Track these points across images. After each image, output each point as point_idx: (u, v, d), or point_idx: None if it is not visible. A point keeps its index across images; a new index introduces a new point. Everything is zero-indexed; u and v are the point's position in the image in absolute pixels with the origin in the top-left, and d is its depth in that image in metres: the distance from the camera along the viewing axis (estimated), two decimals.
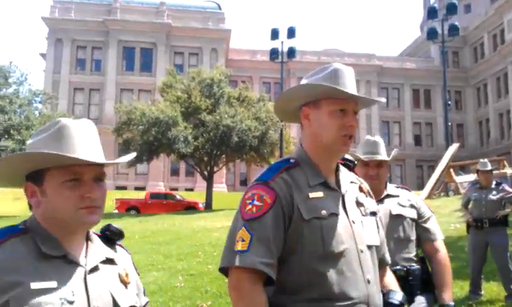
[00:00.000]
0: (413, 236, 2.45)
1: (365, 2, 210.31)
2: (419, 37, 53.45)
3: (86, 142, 1.20)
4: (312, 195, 1.42)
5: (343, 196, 1.49)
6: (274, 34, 22.31)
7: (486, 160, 6.34)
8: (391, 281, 1.61)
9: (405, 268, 2.33)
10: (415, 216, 2.48)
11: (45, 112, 31.40)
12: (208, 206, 24.10)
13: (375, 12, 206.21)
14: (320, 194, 1.44)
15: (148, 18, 42.30)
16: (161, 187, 37.34)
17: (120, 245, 1.36)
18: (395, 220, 2.43)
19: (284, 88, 25.77)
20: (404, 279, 2.26)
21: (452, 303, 2.32)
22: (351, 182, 1.57)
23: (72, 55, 41.73)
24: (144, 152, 23.57)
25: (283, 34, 22.36)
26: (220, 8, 45.92)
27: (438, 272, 2.39)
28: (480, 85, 47.66)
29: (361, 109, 1.61)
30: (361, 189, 1.59)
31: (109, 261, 1.26)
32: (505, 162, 18.42)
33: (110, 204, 25.32)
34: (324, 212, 1.41)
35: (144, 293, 1.36)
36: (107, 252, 1.28)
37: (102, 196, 1.21)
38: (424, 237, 2.47)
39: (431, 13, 20.22)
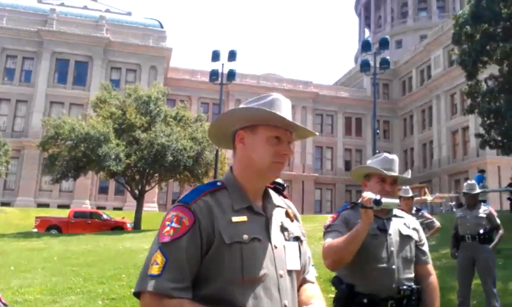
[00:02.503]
0: (414, 258, 2.49)
1: (305, 33, 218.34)
2: (353, 68, 56.16)
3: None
4: (235, 219, 1.41)
5: (267, 221, 1.49)
6: (215, 56, 22.35)
7: (407, 187, 6.61)
8: (314, 293, 1.58)
9: (410, 288, 2.35)
10: (417, 238, 2.53)
11: None
12: (136, 227, 23.28)
13: (313, 42, 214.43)
14: (244, 218, 1.43)
15: (86, 31, 41.10)
16: (87, 205, 35.66)
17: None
18: (404, 240, 2.46)
19: (223, 109, 25.87)
20: (408, 298, 2.32)
21: None
22: (278, 206, 1.57)
23: (1, 64, 39.54)
24: (71, 169, 22.52)
25: (224, 56, 22.48)
26: (162, 26, 45.58)
27: (429, 294, 2.43)
28: (406, 116, 50.65)
29: (295, 140, 1.63)
30: (287, 214, 1.59)
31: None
32: (426, 190, 19.55)
33: (30, 223, 23.78)
34: (245, 236, 1.40)
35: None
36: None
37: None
38: (419, 259, 2.51)
39: (365, 46, 21.20)
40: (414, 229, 2.55)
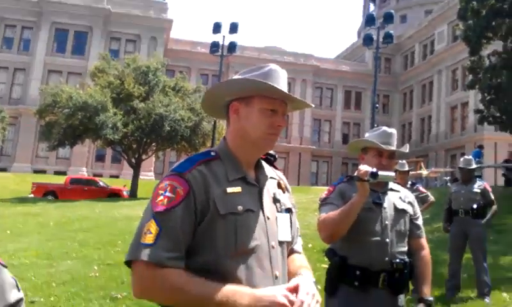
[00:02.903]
0: (408, 232, 2.50)
1: (308, 5, 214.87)
2: (356, 42, 55.47)
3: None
4: (229, 190, 1.40)
5: (260, 192, 1.48)
6: (216, 28, 22.06)
7: (404, 161, 6.60)
8: (301, 263, 1.59)
9: (403, 261, 2.36)
10: (411, 213, 2.53)
11: None
12: (133, 194, 23.36)
13: (316, 15, 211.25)
14: (238, 189, 1.42)
15: (86, 2, 40.56)
16: (84, 173, 35.85)
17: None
18: (399, 214, 2.45)
19: (222, 80, 25.62)
20: (400, 272, 2.34)
21: (431, 298, 2.42)
22: (271, 177, 1.57)
23: None
24: (68, 136, 22.50)
25: (225, 28, 22.20)
26: None
27: (422, 268, 2.47)
28: (407, 91, 50.36)
29: (290, 112, 1.60)
30: (279, 185, 1.59)
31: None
32: (422, 164, 19.61)
33: (26, 189, 23.87)
34: (240, 208, 1.39)
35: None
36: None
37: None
38: (413, 233, 2.51)
39: (369, 20, 20.89)
40: (409, 203, 2.55)
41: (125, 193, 23.46)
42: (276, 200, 1.52)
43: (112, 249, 8.35)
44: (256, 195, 1.46)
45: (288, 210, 1.57)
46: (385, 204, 2.42)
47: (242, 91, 1.47)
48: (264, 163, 1.58)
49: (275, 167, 1.67)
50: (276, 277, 1.42)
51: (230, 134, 1.52)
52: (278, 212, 1.51)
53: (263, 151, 1.54)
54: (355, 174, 2.24)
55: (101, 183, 24.27)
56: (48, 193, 22.36)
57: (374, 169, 2.16)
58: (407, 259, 2.40)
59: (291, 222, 1.57)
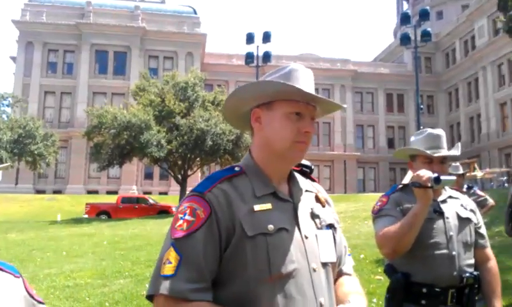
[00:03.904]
0: (474, 242, 2.33)
1: (340, 9, 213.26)
2: (392, 43, 54.42)
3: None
4: (257, 207, 1.25)
5: (295, 207, 1.32)
6: (250, 39, 22.23)
7: (457, 163, 6.29)
8: (351, 288, 1.41)
9: (473, 276, 2.20)
10: (475, 221, 2.35)
11: (13, 117, 30.65)
12: None
13: (349, 18, 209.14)
14: (268, 206, 1.26)
15: (122, 21, 41.85)
16: (134, 191, 36.81)
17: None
18: (463, 223, 2.27)
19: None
20: (470, 287, 2.16)
21: None
22: (306, 191, 1.40)
23: (43, 58, 41.06)
24: (116, 156, 23.19)
25: (258, 38, 22.34)
26: (196, 13, 45.76)
27: (490, 281, 2.27)
28: (451, 90, 48.76)
29: (322, 116, 1.44)
30: (317, 199, 1.42)
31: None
32: (476, 165, 18.75)
33: (80, 209, 24.74)
34: (271, 227, 1.23)
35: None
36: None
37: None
38: (477, 243, 2.33)
39: (404, 19, 20.44)
40: (471, 210, 2.35)
41: (174, 209, 23.90)
42: (314, 216, 1.36)
43: None
44: (290, 211, 1.30)
45: (330, 226, 1.39)
46: (447, 214, 2.24)
47: (262, 95, 1.33)
48: (298, 175, 1.43)
49: (312, 179, 1.52)
50: (321, 305, 1.25)
51: (254, 146, 1.38)
52: (317, 228, 1.34)
53: (292, 163, 1.37)
54: (413, 180, 2.08)
55: (151, 201, 24.85)
56: (102, 213, 23.14)
57: (436, 174, 2.01)
58: (475, 273, 2.21)
59: (335, 240, 1.39)
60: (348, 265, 1.49)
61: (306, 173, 1.50)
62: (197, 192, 1.26)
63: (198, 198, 1.24)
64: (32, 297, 1.14)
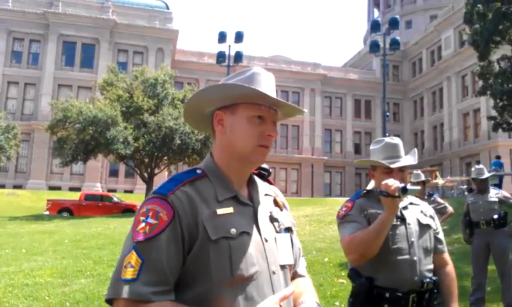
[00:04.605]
0: (433, 248, 2.41)
1: (313, 14, 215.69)
2: (362, 49, 55.44)
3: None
4: (220, 211, 1.25)
5: (255, 211, 1.33)
6: (222, 38, 22.10)
7: (419, 171, 6.48)
8: (305, 288, 1.45)
9: (432, 280, 2.27)
10: (434, 227, 2.43)
11: None
12: None
13: (321, 23, 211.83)
14: (230, 209, 1.27)
15: (91, 12, 40.83)
16: (98, 188, 35.95)
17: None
18: (424, 229, 2.35)
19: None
20: (430, 291, 2.24)
21: None
22: (266, 194, 1.42)
23: (8, 47, 39.59)
24: (80, 152, 22.64)
25: (230, 38, 22.24)
26: (168, 8, 45.16)
27: (448, 285, 2.37)
28: (417, 98, 50.10)
29: (281, 120, 1.43)
30: (276, 202, 1.44)
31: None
32: (437, 173, 19.34)
33: (41, 205, 24.00)
34: (233, 231, 1.24)
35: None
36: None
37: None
38: (436, 248, 2.42)
39: (374, 26, 20.84)
40: (430, 216, 2.44)
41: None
42: (273, 219, 1.37)
43: None
44: (250, 215, 1.31)
45: (288, 230, 1.42)
46: (409, 220, 2.32)
47: (225, 98, 1.32)
48: (257, 179, 1.44)
49: (270, 182, 1.54)
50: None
51: (216, 148, 1.38)
52: (276, 232, 1.36)
53: (254, 166, 1.37)
54: (381, 189, 2.13)
55: (115, 199, 24.29)
56: (63, 210, 22.48)
57: (403, 185, 2.07)
58: (435, 278, 2.30)
59: (292, 243, 1.42)
60: (302, 267, 1.52)
61: (264, 176, 1.52)
62: (160, 195, 1.24)
63: (160, 201, 1.23)
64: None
